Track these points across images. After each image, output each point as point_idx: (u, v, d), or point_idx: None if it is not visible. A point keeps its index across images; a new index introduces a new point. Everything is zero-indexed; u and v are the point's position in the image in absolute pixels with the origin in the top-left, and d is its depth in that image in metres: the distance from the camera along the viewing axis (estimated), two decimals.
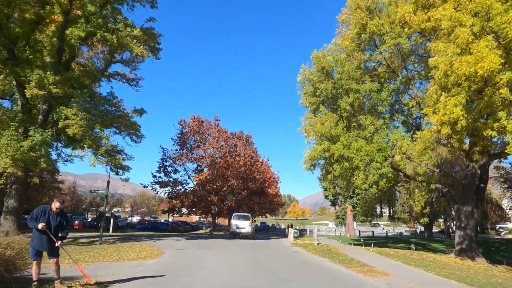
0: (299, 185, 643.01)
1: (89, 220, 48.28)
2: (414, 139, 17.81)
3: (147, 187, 39.94)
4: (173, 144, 42.56)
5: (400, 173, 21.59)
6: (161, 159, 41.88)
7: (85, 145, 15.47)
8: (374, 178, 18.13)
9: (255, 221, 37.71)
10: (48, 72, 15.15)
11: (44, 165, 14.60)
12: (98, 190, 17.40)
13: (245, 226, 26.92)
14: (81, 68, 23.59)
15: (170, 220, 67.21)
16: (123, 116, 18.37)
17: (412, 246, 25.03)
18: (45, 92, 14.63)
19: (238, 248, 17.43)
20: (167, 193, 41.19)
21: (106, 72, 24.89)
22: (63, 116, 14.80)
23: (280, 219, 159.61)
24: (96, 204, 61.57)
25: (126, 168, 18.12)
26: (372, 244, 21.98)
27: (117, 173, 17.70)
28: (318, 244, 21.66)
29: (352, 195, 42.95)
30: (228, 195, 43.39)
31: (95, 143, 15.72)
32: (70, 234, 25.98)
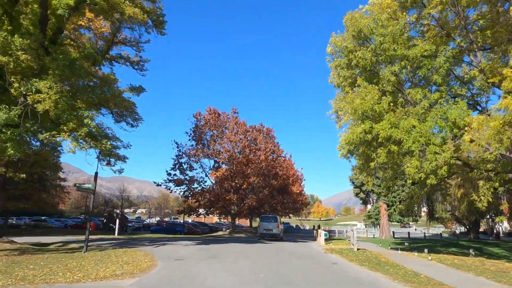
0: (321, 185, 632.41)
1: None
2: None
3: (160, 185, 37.01)
4: (189, 140, 39.49)
5: (458, 161, 17.26)
6: (176, 155, 38.93)
7: (64, 128, 12.36)
8: (432, 166, 14.01)
9: (282, 222, 34.89)
10: (16, 36, 12.08)
11: (12, 151, 11.50)
12: (85, 184, 14.18)
13: (273, 227, 27.07)
14: (78, 49, 20.74)
15: (189, 221, 64.61)
16: (117, 94, 15.15)
17: (471, 251, 20.50)
18: (11, 59, 11.54)
19: (257, 257, 13.72)
20: (182, 192, 38.14)
21: (108, 54, 21.99)
22: (33, 89, 11.69)
23: (303, 220, 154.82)
24: (113, 205, 59.77)
25: (120, 158, 14.86)
26: (426, 250, 17.74)
27: (109, 164, 14.46)
28: (358, 249, 17.65)
29: (387, 193, 38.33)
30: (249, 193, 39.86)
31: (77, 124, 12.52)
32: (73, 237, 23.37)
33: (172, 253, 13.85)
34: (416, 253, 17.33)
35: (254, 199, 38.46)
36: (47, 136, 12.10)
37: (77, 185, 14.11)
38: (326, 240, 25.96)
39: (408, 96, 15.97)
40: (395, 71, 15.55)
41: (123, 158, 15.52)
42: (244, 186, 37.85)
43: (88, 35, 23.45)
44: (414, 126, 14.53)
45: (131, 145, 16.05)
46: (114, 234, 25.89)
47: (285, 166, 42.41)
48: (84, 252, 13.07)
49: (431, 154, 14.08)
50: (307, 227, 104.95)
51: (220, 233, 40.64)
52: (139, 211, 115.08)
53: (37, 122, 11.87)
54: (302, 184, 53.92)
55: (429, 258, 15.17)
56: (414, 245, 24.98)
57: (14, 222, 42.08)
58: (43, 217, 45.55)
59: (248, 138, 38.98)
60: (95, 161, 16.51)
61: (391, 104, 15.62)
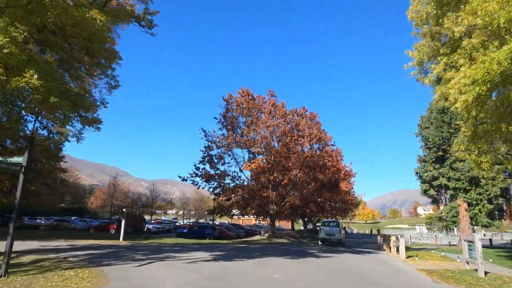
0: (361, 187, 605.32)
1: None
2: None
3: (186, 180, 31.37)
4: (220, 129, 33.37)
5: None
6: (205, 147, 33.09)
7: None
8: None
9: (345, 228, 33.55)
10: None
11: None
12: (13, 158, 8.47)
13: (335, 232, 26.10)
14: None
15: (226, 222, 59.12)
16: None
17: None
18: None
19: None
20: (211, 188, 32.29)
21: (106, 6, 16.58)
22: None
23: (348, 223, 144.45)
24: (143, 204, 55.82)
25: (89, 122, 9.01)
26: None
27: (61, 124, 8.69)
28: (486, 274, 10.33)
29: (468, 187, 29.77)
30: (290, 190, 33.16)
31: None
32: (73, 243, 18.30)
33: (148, 284, 7.62)
34: None
35: (297, 196, 31.68)
36: None
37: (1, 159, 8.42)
38: (390, 247, 18.74)
39: None
40: None
41: (95, 122, 9.65)
42: (285, 181, 31.17)
43: None
44: None
45: (107, 104, 10.17)
46: (118, 240, 20.61)
47: (334, 156, 35.20)
48: (3, 276, 7.29)
49: None
50: (355, 231, 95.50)
51: (257, 237, 34.25)
52: (172, 212, 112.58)
53: None
54: (351, 182, 46.24)
55: None
56: None
57: (28, 222, 38.95)
58: (63, 217, 42.26)
59: (289, 122, 32.25)
60: None
61: None
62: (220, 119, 32.84)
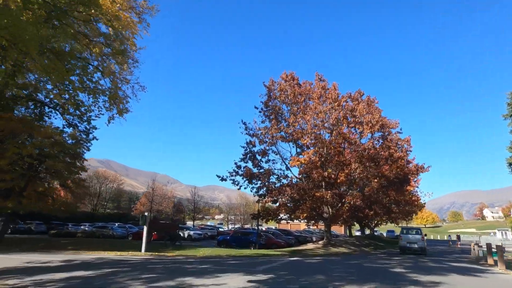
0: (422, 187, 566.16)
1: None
2: None
3: (225, 179, 27.33)
4: (262, 122, 28.93)
5: None
6: (246, 143, 28.89)
7: None
8: None
9: (426, 234, 28.11)
10: None
11: None
12: None
13: (417, 240, 24.09)
14: None
15: (272, 228, 54.60)
16: None
17: None
18: None
19: None
20: (255, 189, 27.95)
21: None
22: None
23: (396, 227, 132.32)
24: (183, 209, 52.98)
25: None
26: None
27: None
28: None
29: None
30: (348, 188, 27.81)
31: None
32: (91, 255, 14.84)
33: None
34: None
35: (358, 196, 26.21)
36: None
37: None
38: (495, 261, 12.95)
39: None
40: None
41: None
42: (341, 178, 25.93)
43: None
44: None
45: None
46: (140, 251, 16.92)
47: (402, 146, 29.17)
48: None
49: None
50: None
51: (310, 246, 29.09)
52: (220, 217, 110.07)
53: None
54: (417, 179, 39.34)
55: None
56: None
57: (72, 228, 37.49)
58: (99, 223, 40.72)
59: (343, 109, 26.92)
60: None
61: None
62: (262, 108, 28.48)
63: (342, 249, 26.61)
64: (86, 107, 23.23)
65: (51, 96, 23.77)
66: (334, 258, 18.94)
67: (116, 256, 15.37)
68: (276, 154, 28.68)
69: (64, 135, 19.39)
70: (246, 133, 28.51)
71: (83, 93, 24.69)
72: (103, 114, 25.60)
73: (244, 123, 28.41)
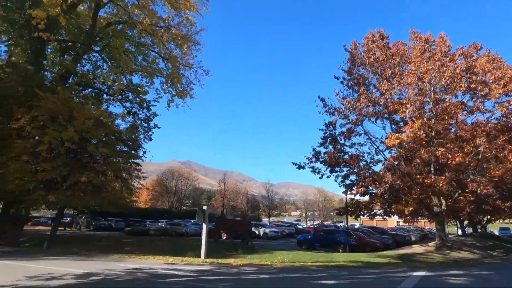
0: None
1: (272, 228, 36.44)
2: None
3: (303, 167, 22.67)
4: (343, 97, 23.51)
5: None
6: (325, 124, 23.89)
7: None
8: None
9: None
10: None
11: None
12: None
13: None
14: None
15: (356, 225, 48.28)
16: None
17: None
18: None
19: None
20: (339, 178, 22.78)
21: None
22: None
23: (507, 223, 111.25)
24: (257, 205, 49.69)
25: None
26: None
27: None
28: None
29: None
30: (470, 172, 20.87)
31: None
32: (131, 264, 11.14)
33: None
34: None
35: (484, 182, 19.25)
36: None
37: None
38: None
39: None
40: None
41: None
42: (458, 159, 19.16)
43: None
44: None
45: None
46: (199, 257, 13.32)
47: None
48: None
49: None
50: None
51: (418, 249, 22.51)
52: (296, 213, 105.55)
53: None
54: None
55: None
56: None
57: (150, 225, 36.65)
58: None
59: (455, 65, 20.08)
60: None
61: None
62: (343, 77, 23.08)
63: (465, 254, 19.85)
64: (141, 89, 20.92)
65: (109, 83, 21.97)
66: (478, 271, 12.95)
67: (161, 265, 11.95)
68: (364, 135, 23.05)
69: (117, 121, 17.11)
70: (325, 111, 23.41)
71: (138, 74, 22.50)
72: (161, 97, 23.28)
73: (322, 99, 23.26)
